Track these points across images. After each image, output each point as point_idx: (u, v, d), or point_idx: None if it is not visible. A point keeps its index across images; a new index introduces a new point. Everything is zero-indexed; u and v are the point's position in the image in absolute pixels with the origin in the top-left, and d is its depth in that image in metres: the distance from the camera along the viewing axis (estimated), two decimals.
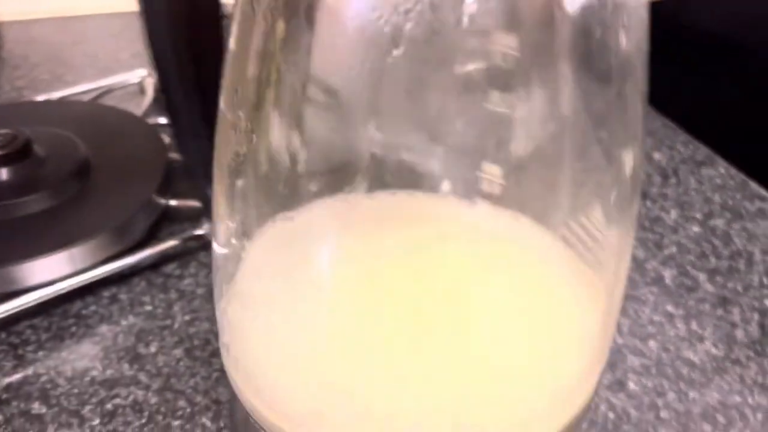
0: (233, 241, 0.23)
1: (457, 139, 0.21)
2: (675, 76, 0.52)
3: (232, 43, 0.20)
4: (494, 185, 0.22)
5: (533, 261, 0.24)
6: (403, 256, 0.23)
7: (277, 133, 0.21)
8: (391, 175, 0.22)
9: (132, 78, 0.46)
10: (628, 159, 0.22)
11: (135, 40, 0.56)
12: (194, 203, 0.36)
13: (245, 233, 0.22)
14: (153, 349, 0.30)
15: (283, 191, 0.22)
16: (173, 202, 0.36)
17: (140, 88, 0.47)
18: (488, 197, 0.22)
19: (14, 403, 0.28)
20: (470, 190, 0.22)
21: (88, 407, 0.28)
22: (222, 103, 0.21)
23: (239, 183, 0.22)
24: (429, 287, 0.23)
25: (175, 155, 0.36)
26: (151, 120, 0.42)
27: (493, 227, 0.23)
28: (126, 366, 0.29)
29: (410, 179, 0.22)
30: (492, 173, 0.22)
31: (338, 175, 0.22)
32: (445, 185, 0.23)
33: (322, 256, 0.22)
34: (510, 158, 0.21)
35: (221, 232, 0.23)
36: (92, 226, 0.32)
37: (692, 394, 0.29)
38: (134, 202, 0.34)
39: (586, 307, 0.23)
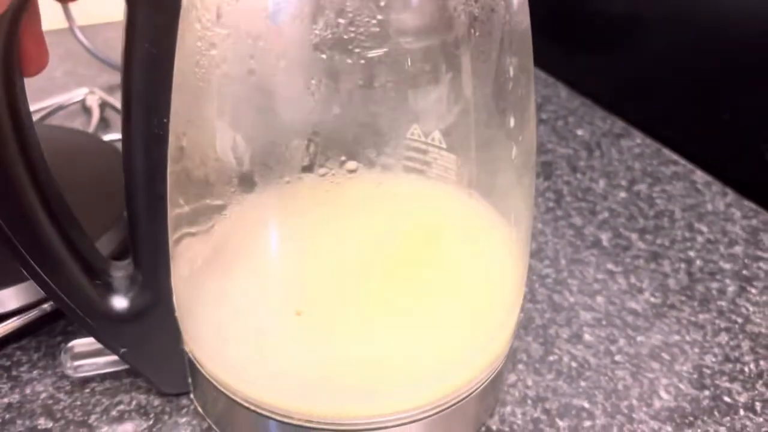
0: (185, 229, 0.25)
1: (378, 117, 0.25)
2: (585, 59, 0.57)
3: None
4: (414, 157, 0.26)
5: (455, 221, 0.28)
6: (333, 224, 0.27)
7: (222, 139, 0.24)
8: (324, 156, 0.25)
9: (75, 96, 0.47)
10: (524, 122, 0.26)
11: (66, 58, 0.56)
12: None
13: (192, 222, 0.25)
14: None
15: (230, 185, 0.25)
16: None
17: (82, 107, 0.48)
18: (410, 168, 0.25)
19: (19, 422, 0.29)
20: (393, 163, 0.25)
21: (94, 416, 0.29)
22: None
23: (190, 181, 0.25)
24: (360, 249, 0.26)
25: None
26: (104, 137, 0.42)
27: (417, 195, 0.27)
28: (123, 374, 0.31)
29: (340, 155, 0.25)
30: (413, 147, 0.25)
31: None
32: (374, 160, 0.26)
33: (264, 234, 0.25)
34: (426, 130, 0.25)
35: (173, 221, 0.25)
36: None
37: (639, 338, 0.33)
38: (106, 218, 0.34)
39: (501, 255, 0.27)
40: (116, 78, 0.52)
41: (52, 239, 0.25)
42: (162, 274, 0.26)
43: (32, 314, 0.32)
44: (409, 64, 0.23)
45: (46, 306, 0.32)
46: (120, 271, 0.27)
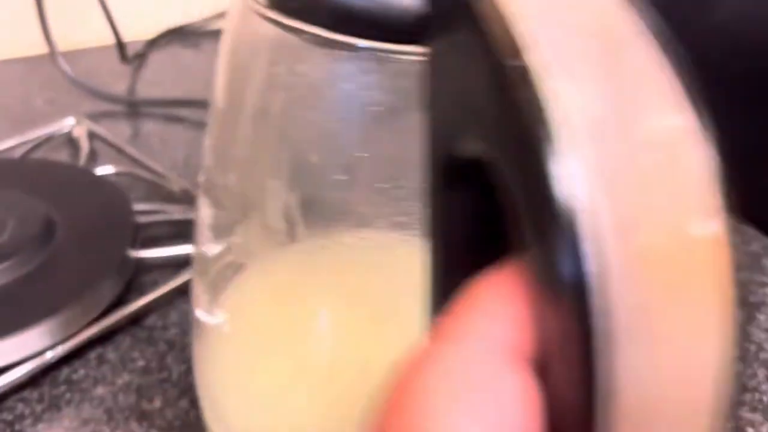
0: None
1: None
2: None
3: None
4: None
5: None
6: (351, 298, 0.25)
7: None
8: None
9: (61, 128, 0.45)
10: None
11: (45, 86, 0.54)
12: (165, 253, 0.36)
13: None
14: (158, 404, 0.30)
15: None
16: (144, 254, 0.35)
17: (68, 138, 0.46)
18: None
19: None
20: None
21: None
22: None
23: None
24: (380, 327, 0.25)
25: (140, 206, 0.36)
26: (96, 171, 0.41)
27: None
28: (135, 425, 0.29)
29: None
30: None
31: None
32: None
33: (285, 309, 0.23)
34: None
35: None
36: (68, 293, 0.31)
37: None
38: (107, 260, 0.33)
39: None
40: (101, 106, 0.51)
41: None
42: None
43: (33, 366, 0.30)
44: None
45: (48, 356, 0.30)
46: None
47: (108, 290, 0.32)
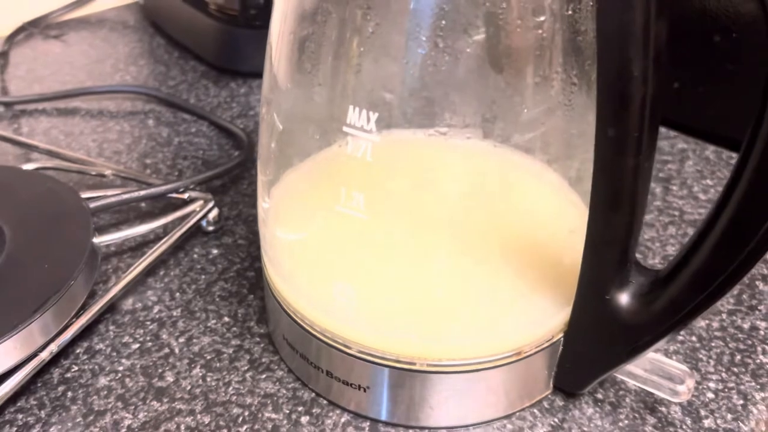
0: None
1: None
2: None
3: None
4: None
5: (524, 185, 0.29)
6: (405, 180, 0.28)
7: None
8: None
9: None
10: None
11: None
12: (117, 238, 0.35)
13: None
14: (170, 378, 0.29)
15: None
16: (98, 242, 0.34)
17: None
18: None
19: None
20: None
21: None
22: None
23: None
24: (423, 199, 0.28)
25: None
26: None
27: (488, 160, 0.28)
28: (156, 403, 0.28)
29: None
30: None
31: None
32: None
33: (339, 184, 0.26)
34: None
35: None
36: (40, 294, 0.29)
37: None
38: (73, 253, 0.31)
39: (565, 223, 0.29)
40: None
41: None
42: None
43: (22, 373, 0.28)
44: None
45: (44, 354, 0.28)
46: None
47: (82, 283, 0.30)
